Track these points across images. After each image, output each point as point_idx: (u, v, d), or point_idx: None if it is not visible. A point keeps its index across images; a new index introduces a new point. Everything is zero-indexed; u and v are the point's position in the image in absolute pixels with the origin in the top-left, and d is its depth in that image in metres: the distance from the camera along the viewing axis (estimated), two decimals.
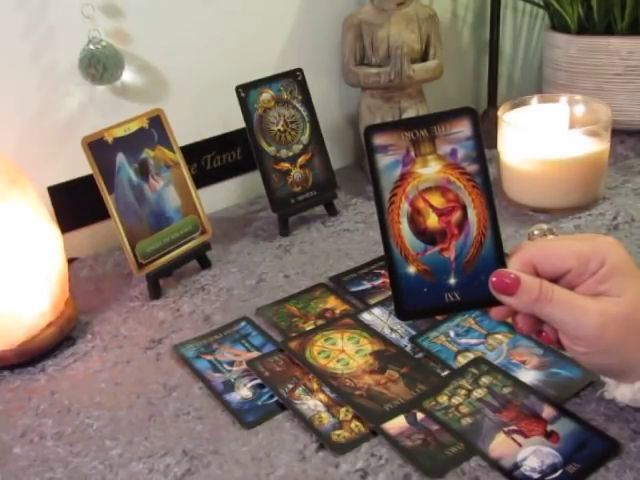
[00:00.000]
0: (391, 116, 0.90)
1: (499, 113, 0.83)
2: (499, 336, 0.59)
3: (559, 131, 0.81)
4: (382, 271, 0.72)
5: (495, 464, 0.46)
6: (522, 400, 0.51)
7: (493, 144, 0.85)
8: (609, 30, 0.96)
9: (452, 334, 0.60)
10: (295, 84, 0.82)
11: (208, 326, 0.67)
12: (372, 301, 0.67)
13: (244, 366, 0.60)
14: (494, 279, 0.45)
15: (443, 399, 0.53)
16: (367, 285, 0.70)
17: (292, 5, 0.92)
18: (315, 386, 0.56)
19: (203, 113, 0.89)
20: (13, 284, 0.61)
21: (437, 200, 0.46)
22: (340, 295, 0.69)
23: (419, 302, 0.47)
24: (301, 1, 0.92)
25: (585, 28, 0.98)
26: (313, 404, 0.54)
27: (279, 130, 0.82)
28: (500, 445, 0.48)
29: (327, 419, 0.52)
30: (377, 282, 0.70)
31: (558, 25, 1.01)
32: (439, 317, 0.62)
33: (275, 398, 0.55)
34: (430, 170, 0.45)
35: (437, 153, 0.45)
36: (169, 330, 0.67)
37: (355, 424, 0.52)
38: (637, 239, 0.73)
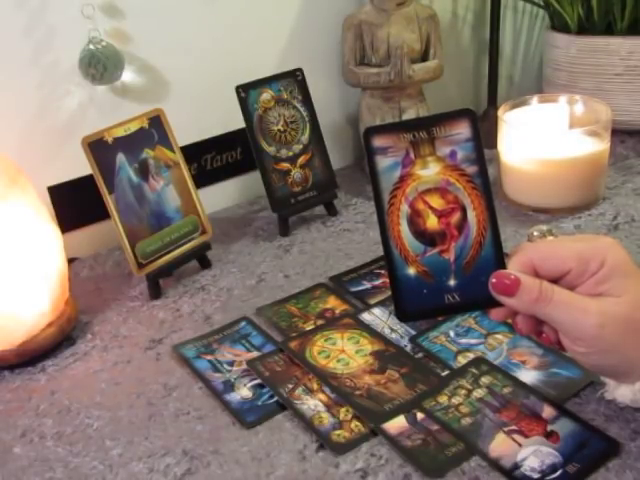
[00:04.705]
0: (391, 116, 0.90)
1: (499, 113, 0.83)
2: (499, 336, 0.59)
3: (559, 131, 0.81)
4: (382, 271, 0.72)
5: (495, 464, 0.46)
6: (522, 400, 0.51)
7: (493, 144, 0.85)
8: (609, 30, 0.96)
9: (452, 334, 0.60)
10: (295, 84, 0.82)
11: (208, 326, 0.67)
12: (372, 301, 0.67)
13: (244, 366, 0.60)
14: (494, 280, 0.45)
15: (443, 399, 0.53)
16: (367, 285, 0.70)
17: (292, 5, 0.92)
18: (315, 386, 0.56)
19: (203, 113, 0.89)
20: (13, 284, 0.61)
21: (437, 201, 0.46)
22: (340, 295, 0.69)
23: (419, 303, 0.47)
24: (301, 1, 0.92)
25: (585, 28, 0.98)
26: (313, 404, 0.54)
27: (279, 130, 0.82)
28: (500, 445, 0.48)
29: (327, 419, 0.52)
30: (377, 282, 0.70)
31: (558, 25, 1.01)
32: (439, 317, 0.62)
33: (275, 398, 0.55)
34: (429, 171, 0.45)
35: (436, 155, 0.45)
36: (169, 330, 0.67)
37: (355, 424, 0.52)
38: (637, 239, 0.73)
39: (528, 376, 0.54)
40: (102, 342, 0.67)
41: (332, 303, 0.68)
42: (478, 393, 0.53)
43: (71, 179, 0.81)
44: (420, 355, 0.59)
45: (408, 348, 0.60)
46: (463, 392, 0.53)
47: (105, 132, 0.69)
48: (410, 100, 0.90)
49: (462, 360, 0.57)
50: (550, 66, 1.04)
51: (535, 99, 0.86)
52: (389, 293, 0.47)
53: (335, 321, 0.64)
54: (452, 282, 0.46)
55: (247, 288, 0.73)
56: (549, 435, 0.48)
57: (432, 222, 0.46)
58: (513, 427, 0.49)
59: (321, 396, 0.55)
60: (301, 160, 0.83)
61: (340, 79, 0.95)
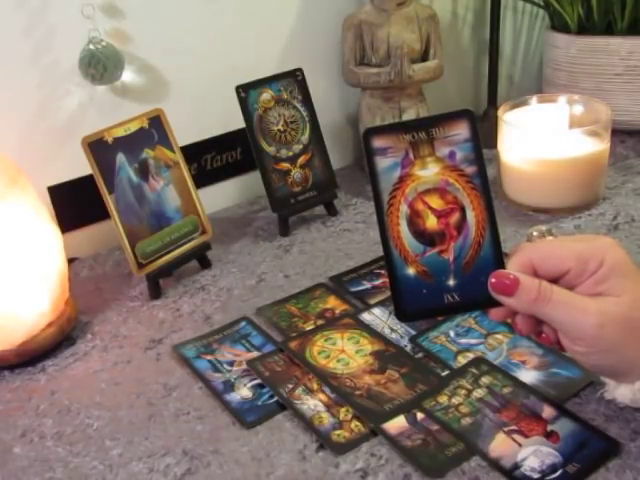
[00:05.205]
0: (391, 116, 0.90)
1: (499, 113, 0.83)
2: (499, 336, 0.59)
3: (559, 131, 0.81)
4: (382, 271, 0.72)
5: (495, 464, 0.46)
6: (522, 400, 0.52)
7: (493, 144, 0.85)
8: (609, 30, 0.96)
9: (452, 334, 0.60)
10: (295, 84, 0.82)
11: (208, 326, 0.67)
12: (372, 301, 0.67)
13: (244, 366, 0.60)
14: (493, 280, 0.45)
15: (443, 399, 0.53)
16: (367, 285, 0.70)
17: (292, 5, 0.92)
18: (315, 386, 0.56)
19: (203, 113, 0.89)
20: (13, 284, 0.61)
21: (436, 202, 0.46)
22: (340, 295, 0.69)
23: (418, 303, 0.47)
24: (301, 1, 0.92)
25: (585, 28, 0.98)
26: (313, 404, 0.54)
27: (279, 130, 0.82)
28: (500, 445, 0.48)
29: (327, 419, 0.52)
30: (377, 282, 0.70)
31: (558, 25, 1.01)
32: (439, 317, 0.62)
33: (275, 398, 0.55)
34: (429, 172, 0.45)
35: (436, 155, 0.45)
36: (169, 330, 0.67)
37: (355, 424, 0.52)
38: (637, 239, 0.73)
39: (528, 376, 0.54)
40: (102, 342, 0.67)
41: (332, 303, 0.68)
42: (478, 393, 0.53)
43: (71, 179, 0.81)
44: (420, 355, 0.59)
45: (408, 348, 0.60)
46: (463, 392, 0.53)
47: (105, 132, 0.69)
48: (410, 100, 0.90)
49: (462, 360, 0.57)
50: (550, 66, 1.04)
51: (535, 99, 0.86)
52: (389, 293, 0.47)
53: (335, 321, 0.64)
54: (451, 282, 0.46)
55: (247, 288, 0.73)
56: (549, 435, 0.48)
57: (431, 222, 0.46)
58: (513, 427, 0.49)
59: (321, 396, 0.55)
60: (301, 160, 0.83)
61: (340, 79, 0.95)
